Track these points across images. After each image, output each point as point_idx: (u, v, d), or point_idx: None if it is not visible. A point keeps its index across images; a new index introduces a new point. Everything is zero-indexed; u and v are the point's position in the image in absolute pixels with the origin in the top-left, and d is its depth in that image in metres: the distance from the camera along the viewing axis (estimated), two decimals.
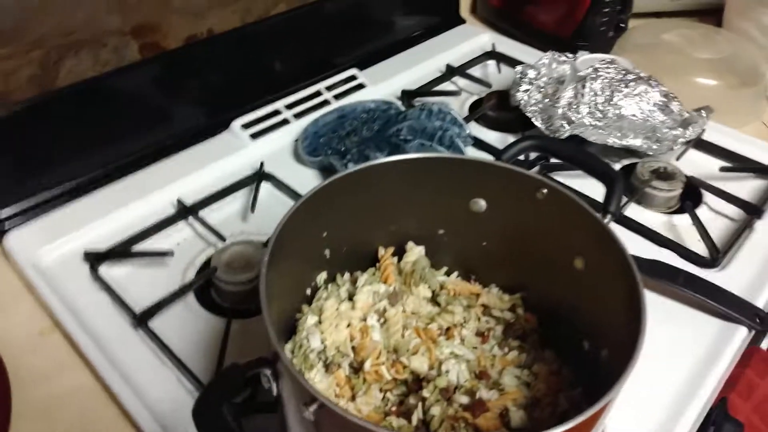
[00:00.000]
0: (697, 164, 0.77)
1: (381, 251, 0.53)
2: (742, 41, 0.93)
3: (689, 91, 0.82)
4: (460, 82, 0.93)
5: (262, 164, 0.72)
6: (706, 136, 0.79)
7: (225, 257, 0.60)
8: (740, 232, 0.66)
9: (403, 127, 0.76)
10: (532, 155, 0.76)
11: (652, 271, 0.60)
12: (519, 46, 1.00)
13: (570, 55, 0.84)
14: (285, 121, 0.79)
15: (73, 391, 0.52)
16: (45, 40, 0.61)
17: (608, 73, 0.77)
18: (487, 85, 0.91)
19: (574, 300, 0.47)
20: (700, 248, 0.65)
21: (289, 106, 0.81)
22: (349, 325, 0.48)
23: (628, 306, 0.39)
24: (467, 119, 0.82)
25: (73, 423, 0.50)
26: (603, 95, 0.76)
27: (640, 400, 0.50)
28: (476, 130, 0.82)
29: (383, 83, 0.89)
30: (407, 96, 0.87)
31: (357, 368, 0.46)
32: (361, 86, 0.87)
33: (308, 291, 0.50)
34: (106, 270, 0.60)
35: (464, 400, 0.43)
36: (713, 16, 1.07)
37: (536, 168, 0.75)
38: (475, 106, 0.88)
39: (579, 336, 0.46)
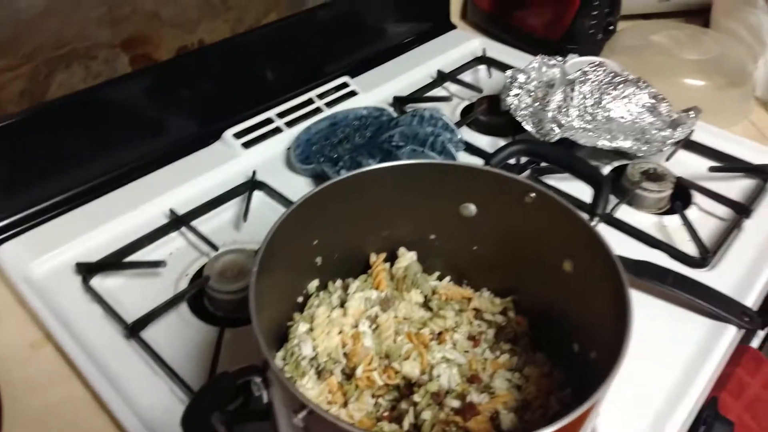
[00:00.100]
0: (687, 165, 0.77)
1: (373, 257, 0.54)
2: (729, 41, 0.93)
3: (678, 92, 0.83)
4: (452, 87, 0.94)
5: (254, 173, 0.73)
6: (695, 137, 0.79)
7: (218, 266, 0.61)
8: (729, 231, 0.67)
9: (395, 134, 0.76)
10: (523, 159, 0.76)
11: (642, 271, 0.60)
12: (509, 51, 1.01)
13: (559, 59, 0.85)
14: (277, 130, 0.80)
15: (65, 401, 0.52)
16: (36, 54, 0.62)
17: (597, 76, 0.78)
18: (478, 90, 0.91)
19: (563, 302, 0.48)
20: (690, 248, 0.65)
21: (281, 115, 0.81)
22: (340, 332, 0.48)
23: (615, 307, 0.39)
24: (459, 124, 0.83)
25: None
26: (592, 98, 0.76)
27: (631, 400, 0.50)
28: (468, 135, 0.83)
29: (375, 90, 0.89)
30: (399, 102, 0.87)
31: (349, 374, 0.47)
32: (353, 93, 0.87)
33: (300, 299, 0.50)
34: (98, 281, 0.61)
35: (455, 404, 0.43)
36: (701, 16, 1.08)
37: (527, 172, 0.75)
38: (466, 111, 0.89)
39: (569, 338, 0.47)
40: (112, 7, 0.65)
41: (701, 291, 0.58)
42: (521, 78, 0.83)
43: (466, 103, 0.90)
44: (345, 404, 0.45)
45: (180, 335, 0.56)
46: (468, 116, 0.86)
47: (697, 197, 0.72)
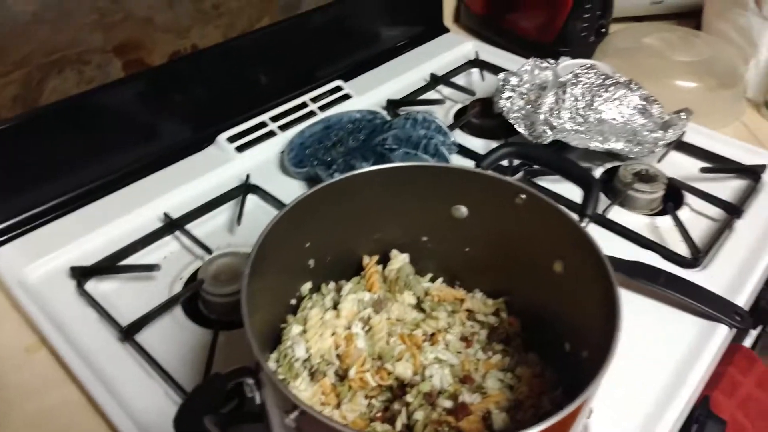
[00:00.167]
0: (679, 166, 0.78)
1: (365, 260, 0.54)
2: (720, 43, 0.94)
3: (669, 94, 0.83)
4: (445, 90, 0.94)
5: (248, 176, 0.73)
6: (686, 138, 0.80)
7: (212, 269, 0.61)
8: (721, 232, 0.67)
9: (389, 137, 0.77)
10: (516, 162, 0.76)
11: (634, 272, 0.60)
12: (502, 54, 1.01)
13: (552, 61, 0.86)
14: (271, 134, 0.80)
15: (60, 405, 0.52)
16: (28, 60, 0.62)
17: (588, 78, 0.78)
18: (471, 93, 0.92)
19: (555, 303, 0.48)
20: (682, 249, 0.66)
21: (275, 119, 0.81)
22: (333, 334, 0.48)
23: (605, 307, 0.40)
24: (452, 127, 0.83)
25: None
26: (584, 100, 0.77)
27: (623, 399, 0.51)
28: (461, 137, 0.83)
29: (369, 93, 0.90)
30: (392, 105, 0.88)
31: (342, 376, 0.47)
32: (346, 97, 0.88)
33: (293, 301, 0.50)
34: (93, 285, 0.61)
35: (447, 404, 0.43)
36: (692, 18, 1.09)
37: (520, 174, 0.76)
38: (459, 114, 0.89)
39: (561, 338, 0.47)
40: (104, 14, 0.66)
41: (693, 291, 0.58)
42: (514, 81, 0.83)
43: (460, 106, 0.91)
44: (338, 405, 0.45)
45: (174, 338, 0.57)
46: (461, 119, 0.86)
47: (689, 198, 0.73)
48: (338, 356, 0.47)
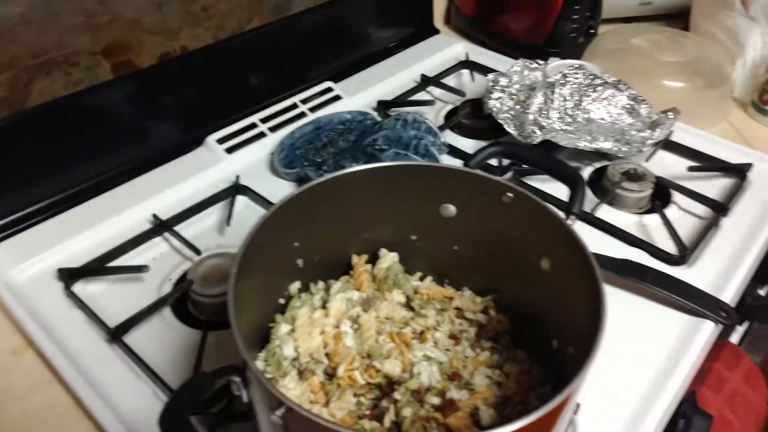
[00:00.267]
0: (667, 165, 0.79)
1: (354, 259, 0.54)
2: (707, 44, 0.95)
3: (658, 94, 0.84)
4: (435, 91, 0.95)
5: (237, 178, 0.73)
6: (674, 137, 0.81)
7: (201, 270, 0.61)
8: (707, 229, 0.68)
9: (379, 137, 0.77)
10: (505, 161, 0.77)
11: (622, 269, 0.61)
12: (492, 55, 1.02)
13: (541, 62, 0.86)
14: (261, 135, 0.80)
15: (47, 408, 0.52)
16: (14, 63, 0.62)
17: (576, 78, 0.79)
18: (461, 94, 0.92)
19: (542, 300, 0.48)
20: (670, 246, 0.66)
21: (265, 120, 0.82)
22: (322, 333, 0.48)
23: (591, 303, 0.40)
24: (442, 128, 0.83)
25: None
26: (572, 100, 0.77)
27: (611, 395, 0.51)
28: (451, 138, 0.84)
29: (359, 94, 0.90)
30: (383, 106, 0.88)
31: (331, 374, 0.47)
32: (337, 98, 0.88)
33: (282, 301, 0.50)
34: (80, 287, 0.60)
35: (435, 401, 0.43)
36: (680, 19, 1.10)
37: (509, 173, 0.76)
38: (450, 115, 0.90)
39: (548, 335, 0.47)
40: (91, 15, 0.66)
41: (680, 288, 0.59)
42: (503, 81, 0.84)
43: (450, 106, 0.91)
44: (327, 403, 0.45)
45: (163, 339, 0.56)
46: (451, 120, 0.87)
47: (677, 196, 0.73)
48: (327, 355, 0.47)
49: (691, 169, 0.78)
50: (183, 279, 0.62)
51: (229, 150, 0.77)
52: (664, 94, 0.87)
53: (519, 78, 0.84)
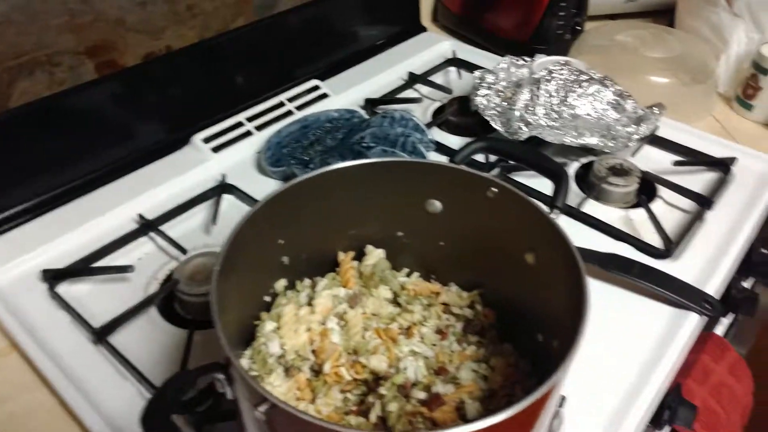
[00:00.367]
0: (653, 159, 0.79)
1: (341, 256, 0.54)
2: (692, 39, 0.96)
3: (643, 89, 0.84)
4: (423, 89, 0.95)
5: (223, 177, 0.73)
6: (660, 132, 0.81)
7: (187, 270, 0.61)
8: (692, 223, 0.68)
9: (366, 135, 0.77)
10: (492, 157, 0.77)
11: (609, 263, 0.61)
12: (479, 52, 1.02)
13: (527, 59, 0.86)
14: (248, 133, 0.80)
15: (31, 410, 0.51)
16: None
17: (562, 74, 0.79)
18: (449, 91, 0.92)
19: (527, 294, 0.49)
20: (656, 240, 0.66)
21: (251, 119, 0.81)
22: (308, 330, 0.48)
23: (575, 296, 0.40)
24: (430, 125, 0.83)
25: None
26: (558, 96, 0.78)
27: (597, 387, 0.52)
28: (439, 135, 0.84)
29: (346, 92, 0.90)
30: (370, 104, 0.88)
31: (317, 371, 0.47)
32: (324, 96, 0.88)
33: (267, 298, 0.50)
34: (65, 288, 0.60)
35: (421, 395, 0.43)
36: (666, 16, 1.11)
37: (496, 170, 0.76)
38: (438, 113, 0.90)
39: (534, 329, 0.48)
40: (74, 15, 0.65)
41: (664, 281, 0.59)
42: (490, 78, 0.84)
43: (438, 104, 0.91)
44: (313, 400, 0.45)
45: (150, 339, 0.56)
46: (439, 117, 0.87)
47: (662, 191, 0.74)
48: (313, 351, 0.47)
49: (676, 163, 0.78)
50: (169, 279, 0.62)
51: (216, 149, 0.77)
52: (649, 89, 0.87)
53: (505, 75, 0.84)
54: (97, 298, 0.60)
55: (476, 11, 1.08)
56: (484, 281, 0.53)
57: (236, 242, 0.42)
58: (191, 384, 0.36)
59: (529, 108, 0.77)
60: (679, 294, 0.58)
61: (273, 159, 0.75)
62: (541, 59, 0.86)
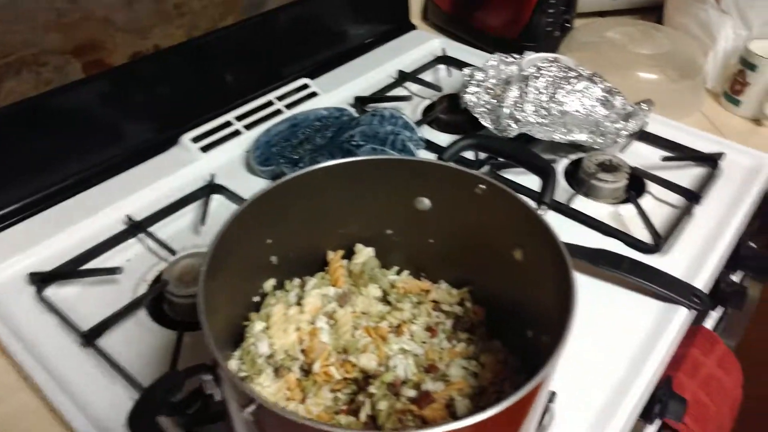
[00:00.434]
0: (642, 155, 0.79)
1: (330, 255, 0.54)
2: (680, 36, 0.96)
3: (633, 86, 0.85)
4: (413, 87, 0.94)
5: (212, 176, 0.72)
6: (649, 128, 0.81)
7: (176, 271, 0.60)
8: (681, 218, 0.69)
9: (356, 133, 0.77)
10: (482, 155, 0.77)
11: (598, 259, 0.61)
12: (469, 50, 1.02)
13: (517, 56, 0.86)
14: (236, 133, 0.79)
15: (20, 413, 0.51)
16: None
17: (551, 71, 0.79)
18: (438, 89, 0.92)
19: (516, 290, 0.49)
20: (645, 235, 0.67)
21: (240, 118, 0.81)
22: (298, 329, 0.48)
23: (563, 292, 0.40)
24: (420, 123, 0.83)
25: None
26: (546, 93, 0.78)
27: (587, 382, 0.52)
28: (429, 133, 0.84)
29: (336, 91, 0.90)
30: (360, 102, 0.88)
31: (307, 370, 0.47)
32: (313, 95, 0.88)
33: (256, 298, 0.50)
34: (53, 291, 0.60)
35: (411, 393, 0.43)
36: (654, 13, 1.11)
37: (486, 167, 0.76)
38: (428, 110, 0.90)
39: (523, 325, 0.48)
40: (60, 14, 0.65)
41: (653, 275, 0.59)
42: (479, 76, 0.84)
43: (428, 102, 0.91)
44: (303, 400, 0.45)
45: (139, 341, 0.56)
46: (428, 115, 0.87)
47: (651, 186, 0.74)
48: (303, 351, 0.47)
49: (665, 159, 0.79)
50: (158, 280, 0.61)
51: (204, 149, 0.76)
52: (638, 85, 0.88)
53: (495, 72, 0.84)
54: (86, 301, 0.59)
55: (466, 9, 1.08)
56: (473, 278, 0.53)
57: (223, 242, 0.42)
58: (179, 385, 0.35)
59: (518, 105, 0.77)
60: (668, 288, 0.58)
61: (262, 158, 0.75)
62: (530, 56, 0.86)
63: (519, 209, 0.46)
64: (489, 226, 0.49)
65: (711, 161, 0.76)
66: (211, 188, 0.71)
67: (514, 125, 0.76)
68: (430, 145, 0.79)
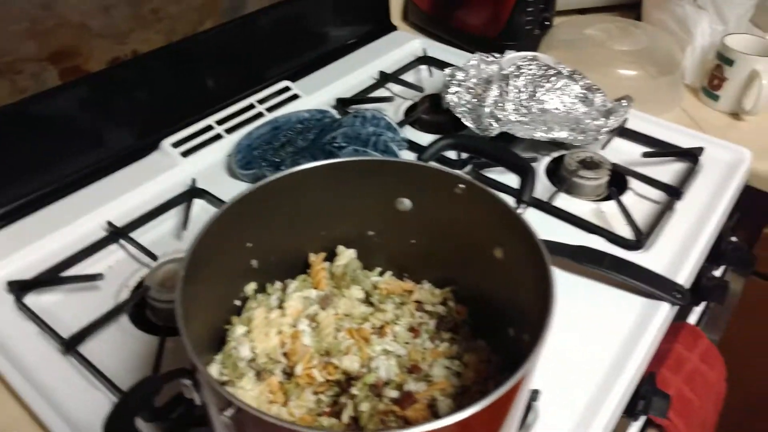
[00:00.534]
0: (622, 152, 0.80)
1: (312, 257, 0.54)
2: (658, 32, 0.97)
3: (612, 82, 0.85)
4: (395, 88, 0.94)
5: (194, 181, 0.72)
6: (629, 125, 0.82)
7: (158, 276, 0.60)
8: (662, 213, 0.69)
9: (338, 135, 0.77)
10: (464, 155, 0.77)
11: (580, 256, 0.62)
12: (450, 50, 1.02)
13: (497, 55, 0.87)
14: (218, 137, 0.79)
15: (1, 423, 0.50)
16: None
17: (530, 70, 0.80)
18: (420, 89, 0.92)
19: (498, 289, 0.49)
20: (627, 232, 0.67)
21: (221, 122, 0.81)
22: (279, 332, 0.48)
23: (542, 289, 0.40)
24: (402, 124, 0.83)
25: None
26: (526, 92, 0.78)
27: (571, 380, 0.52)
28: (411, 133, 0.84)
29: (317, 93, 0.89)
30: (342, 104, 0.88)
31: (290, 373, 0.46)
32: (295, 97, 0.88)
33: (237, 302, 0.50)
34: (33, 299, 0.59)
35: (393, 394, 0.43)
36: (633, 10, 1.12)
37: (469, 166, 0.77)
38: (410, 111, 0.90)
39: (505, 323, 0.48)
40: (35, 21, 0.64)
41: (635, 271, 0.60)
42: (460, 75, 0.84)
43: (410, 102, 0.91)
44: (286, 403, 0.45)
45: (121, 347, 0.55)
46: (411, 115, 0.87)
47: (633, 182, 0.75)
48: (285, 354, 0.47)
49: (645, 155, 0.79)
50: (140, 286, 0.61)
51: (185, 153, 0.76)
52: (618, 82, 0.88)
53: (476, 72, 0.85)
54: (67, 308, 0.59)
55: (446, 9, 1.08)
56: (456, 278, 0.54)
57: (201, 246, 0.42)
58: (157, 390, 0.35)
59: (499, 104, 0.78)
60: (649, 284, 0.58)
61: (243, 162, 0.74)
62: (510, 55, 0.87)
63: (498, 208, 0.46)
64: (470, 226, 0.50)
65: (691, 156, 0.77)
66: (193, 193, 0.70)
67: (495, 124, 0.77)
68: (413, 146, 0.79)
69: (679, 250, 0.65)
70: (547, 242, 0.58)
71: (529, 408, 0.48)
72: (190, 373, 0.36)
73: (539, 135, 0.76)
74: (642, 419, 0.63)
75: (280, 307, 0.50)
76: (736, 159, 0.78)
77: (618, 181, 0.75)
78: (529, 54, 0.84)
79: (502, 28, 1.01)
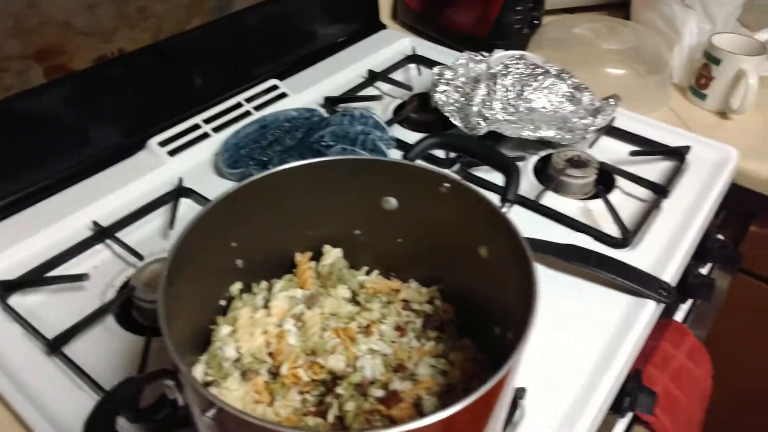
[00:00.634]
0: (610, 150, 0.80)
1: (298, 257, 0.54)
2: (646, 31, 0.97)
3: (600, 81, 0.86)
4: (383, 86, 0.94)
5: (180, 180, 0.71)
6: (617, 123, 0.82)
7: (144, 276, 0.60)
8: (649, 212, 0.70)
9: (326, 134, 0.76)
10: (452, 154, 0.77)
11: (567, 254, 0.62)
12: (439, 49, 1.02)
13: (486, 54, 0.87)
14: (205, 136, 0.79)
15: None
16: None
17: (518, 68, 0.80)
18: (409, 88, 0.92)
19: (483, 287, 0.49)
20: (614, 230, 0.67)
21: (209, 120, 0.80)
22: (265, 332, 0.48)
23: (526, 288, 0.40)
24: (390, 122, 0.83)
25: None
26: (514, 90, 0.78)
27: (557, 377, 0.52)
28: (400, 132, 0.84)
29: (306, 91, 0.89)
30: (330, 103, 0.87)
31: (276, 373, 0.46)
32: (283, 95, 0.87)
33: (222, 302, 0.50)
34: (18, 299, 0.59)
35: (379, 393, 0.43)
36: (622, 9, 1.12)
37: (457, 165, 0.77)
38: (399, 110, 0.90)
39: (491, 322, 0.48)
40: (19, 20, 0.63)
41: (621, 269, 0.60)
42: (448, 74, 0.84)
43: (398, 101, 0.91)
44: (272, 403, 0.45)
45: (107, 348, 0.55)
46: (399, 114, 0.87)
47: (620, 181, 0.75)
48: (270, 354, 0.47)
49: (632, 153, 0.80)
50: (126, 286, 0.60)
51: (172, 152, 0.75)
52: (606, 81, 0.89)
53: (464, 71, 0.85)
54: (52, 309, 0.58)
55: (435, 8, 1.08)
56: (442, 276, 0.54)
57: (185, 245, 0.42)
58: (140, 390, 0.35)
59: (487, 103, 0.78)
60: (636, 282, 0.59)
61: (230, 161, 0.74)
62: (498, 54, 0.87)
63: (482, 206, 0.46)
64: (455, 224, 0.50)
65: (678, 155, 0.77)
66: (180, 192, 0.70)
67: (483, 123, 0.77)
68: (401, 145, 0.79)
69: (665, 248, 0.65)
70: (534, 240, 0.58)
71: (515, 406, 0.48)
72: (172, 373, 0.36)
73: (527, 134, 0.76)
74: (629, 416, 0.63)
75: (266, 306, 0.50)
76: (722, 158, 0.78)
77: (605, 179, 0.75)
78: (517, 53, 0.84)
79: (491, 26, 1.02)
